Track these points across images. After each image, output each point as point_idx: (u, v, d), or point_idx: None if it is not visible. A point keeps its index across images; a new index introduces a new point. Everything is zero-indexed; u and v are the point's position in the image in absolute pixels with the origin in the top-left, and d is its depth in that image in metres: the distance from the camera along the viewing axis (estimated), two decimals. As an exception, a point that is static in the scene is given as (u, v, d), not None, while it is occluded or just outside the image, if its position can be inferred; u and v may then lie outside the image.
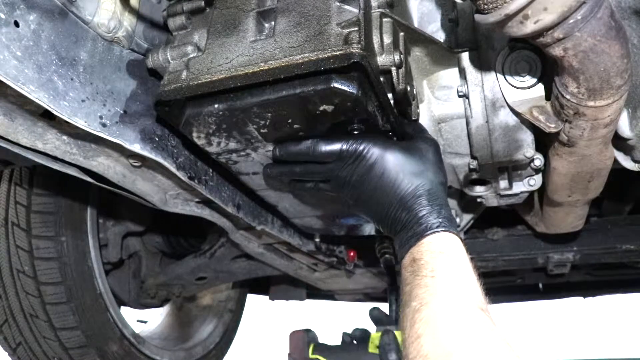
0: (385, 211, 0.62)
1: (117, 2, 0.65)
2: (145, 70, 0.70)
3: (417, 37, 0.68)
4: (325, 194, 0.71)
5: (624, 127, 0.68)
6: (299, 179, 0.69)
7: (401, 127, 0.68)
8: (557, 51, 0.53)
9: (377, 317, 1.00)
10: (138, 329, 1.61)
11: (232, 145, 0.65)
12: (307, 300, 1.98)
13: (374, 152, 0.62)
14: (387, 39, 0.62)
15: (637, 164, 0.75)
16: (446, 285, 0.52)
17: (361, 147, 0.62)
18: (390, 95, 0.65)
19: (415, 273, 0.55)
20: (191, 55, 0.64)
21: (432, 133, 0.77)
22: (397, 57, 0.61)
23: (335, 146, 0.62)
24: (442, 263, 0.54)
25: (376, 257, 1.11)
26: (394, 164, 0.61)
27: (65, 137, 0.69)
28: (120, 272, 1.43)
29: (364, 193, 0.63)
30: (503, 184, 0.89)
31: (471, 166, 0.81)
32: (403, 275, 0.58)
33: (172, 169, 0.73)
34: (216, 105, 0.60)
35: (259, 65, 0.58)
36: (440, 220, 0.58)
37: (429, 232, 0.57)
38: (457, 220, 1.10)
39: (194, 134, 0.64)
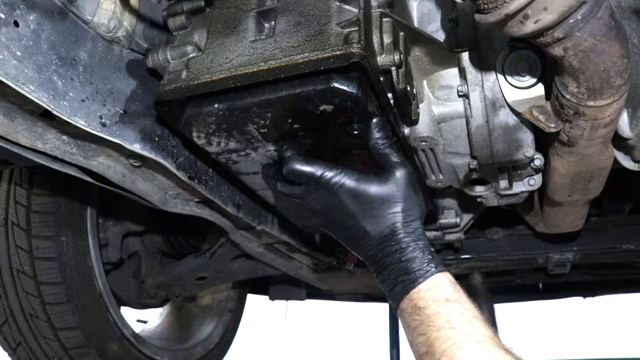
0: (363, 248, 0.61)
1: (117, 2, 0.65)
2: (145, 70, 0.70)
3: (417, 37, 0.68)
4: None
5: (624, 127, 0.68)
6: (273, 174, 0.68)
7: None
8: (557, 51, 0.53)
9: None
10: (138, 329, 1.61)
11: (232, 145, 0.65)
12: (307, 300, 1.98)
13: (344, 188, 0.60)
14: (387, 39, 0.62)
15: (637, 164, 0.75)
16: (472, 339, 0.52)
17: (333, 180, 0.60)
18: (390, 95, 0.65)
19: (428, 323, 0.54)
20: (191, 55, 0.64)
21: (432, 133, 0.77)
22: (397, 57, 0.61)
23: (306, 168, 0.61)
24: (454, 313, 0.54)
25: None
26: (369, 201, 0.59)
27: (65, 137, 0.69)
28: (120, 272, 1.43)
29: (335, 226, 0.63)
30: (503, 183, 0.89)
31: (471, 166, 0.81)
32: (407, 321, 0.57)
33: (172, 168, 0.73)
34: (216, 105, 0.60)
35: (259, 65, 0.58)
36: (427, 261, 0.58)
37: (422, 279, 0.57)
38: (457, 220, 1.10)
39: (194, 134, 0.64)
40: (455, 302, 0.55)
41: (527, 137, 0.74)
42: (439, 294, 0.56)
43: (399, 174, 0.61)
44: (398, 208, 0.60)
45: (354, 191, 0.60)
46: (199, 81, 0.59)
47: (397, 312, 0.60)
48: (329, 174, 0.60)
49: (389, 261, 0.59)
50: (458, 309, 0.55)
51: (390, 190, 0.60)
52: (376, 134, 0.61)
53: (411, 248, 0.58)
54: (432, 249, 0.60)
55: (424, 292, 0.56)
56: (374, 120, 0.61)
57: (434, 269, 0.57)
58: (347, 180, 0.60)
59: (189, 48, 0.64)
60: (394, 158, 0.62)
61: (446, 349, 0.51)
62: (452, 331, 0.52)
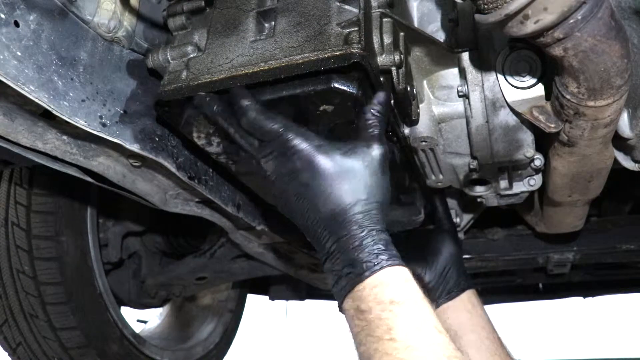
0: (310, 228, 0.52)
1: (117, 2, 0.65)
2: (145, 70, 0.70)
3: (417, 37, 0.68)
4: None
5: (624, 127, 0.68)
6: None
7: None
8: (557, 51, 0.53)
9: None
10: (138, 329, 1.61)
11: (233, 147, 0.65)
12: (307, 300, 1.98)
13: (303, 153, 0.51)
14: (387, 39, 0.62)
15: (637, 164, 0.75)
16: (414, 355, 0.44)
17: (291, 141, 0.51)
18: (390, 95, 0.65)
19: (368, 332, 0.46)
20: (191, 55, 0.64)
21: (432, 133, 0.77)
22: (397, 57, 0.61)
23: (264, 123, 0.52)
24: (397, 319, 0.46)
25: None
26: (325, 174, 0.50)
27: (65, 137, 0.69)
28: (120, 272, 1.43)
29: (287, 197, 0.53)
30: (503, 184, 0.89)
31: (471, 166, 0.81)
32: (349, 324, 0.49)
33: (172, 169, 0.73)
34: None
35: (259, 65, 0.58)
36: (377, 251, 0.49)
37: (368, 272, 0.48)
38: (457, 220, 1.10)
39: (194, 134, 0.64)
40: (402, 305, 0.46)
41: (527, 137, 0.74)
42: (384, 294, 0.47)
43: (371, 149, 0.53)
44: (358, 186, 0.51)
45: (311, 157, 0.51)
46: (199, 81, 0.59)
47: (341, 311, 0.51)
48: (288, 134, 0.52)
49: (335, 247, 0.50)
50: (402, 314, 0.46)
51: (354, 165, 0.51)
52: (376, 106, 0.54)
53: (362, 235, 0.49)
54: (389, 240, 0.51)
55: (368, 291, 0.48)
56: (382, 92, 0.55)
57: (384, 262, 0.48)
58: (306, 144, 0.52)
59: (189, 48, 0.64)
60: (374, 132, 0.54)
61: None
62: (392, 344, 0.44)
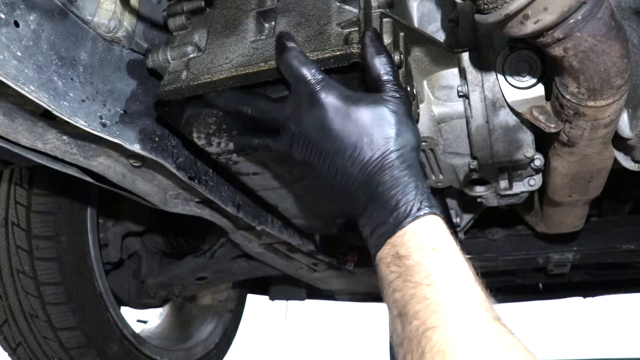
0: (345, 183, 0.50)
1: (117, 2, 0.65)
2: (145, 70, 0.70)
3: (417, 37, 0.68)
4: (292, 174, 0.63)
5: (624, 127, 0.68)
6: (247, 132, 0.60)
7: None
8: (557, 51, 0.53)
9: None
10: (138, 329, 1.61)
11: (232, 146, 0.65)
12: (307, 301, 1.98)
13: (331, 100, 0.50)
14: (387, 39, 0.62)
15: (637, 164, 0.75)
16: (452, 301, 0.42)
17: (320, 93, 0.50)
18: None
19: (405, 277, 0.45)
20: (191, 56, 0.64)
21: (432, 133, 0.77)
22: (397, 57, 0.61)
23: (297, 72, 0.51)
24: (438, 265, 0.44)
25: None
26: (360, 122, 0.49)
27: (65, 137, 0.69)
28: (120, 272, 1.43)
29: (316, 154, 0.51)
30: (503, 184, 0.89)
31: (471, 166, 0.81)
32: (383, 272, 0.47)
33: (172, 169, 0.73)
34: (228, 96, 0.59)
35: (259, 65, 0.58)
36: (420, 199, 0.47)
37: (410, 218, 0.46)
38: (457, 220, 1.10)
39: (194, 135, 0.64)
40: (442, 252, 0.45)
41: (527, 137, 0.74)
42: (425, 241, 0.45)
43: (395, 95, 0.52)
44: (392, 132, 0.49)
45: (342, 105, 0.50)
46: (199, 81, 0.59)
47: (375, 262, 0.49)
48: (318, 85, 0.51)
49: (374, 196, 0.48)
50: (443, 261, 0.44)
51: (384, 111, 0.50)
52: (381, 56, 0.53)
53: (404, 181, 0.47)
54: (428, 187, 0.50)
55: (409, 237, 0.46)
56: (385, 56, 0.53)
57: (426, 209, 0.47)
58: (335, 94, 0.51)
59: (189, 48, 0.64)
60: (391, 80, 0.53)
61: (419, 311, 0.42)
62: (430, 289, 0.43)
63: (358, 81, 0.56)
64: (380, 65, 0.53)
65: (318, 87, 0.52)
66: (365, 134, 0.50)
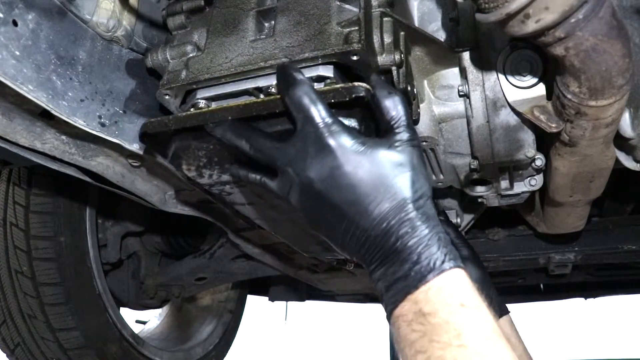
0: (358, 235, 0.46)
1: (116, 1, 0.65)
2: (145, 70, 0.69)
3: (417, 37, 0.68)
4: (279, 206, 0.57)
5: (626, 127, 0.68)
6: (241, 166, 0.55)
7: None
8: (558, 50, 0.53)
9: None
10: (137, 329, 1.61)
11: (225, 177, 0.60)
12: (307, 301, 1.97)
13: (346, 149, 0.46)
14: (388, 39, 0.62)
15: (638, 164, 0.75)
16: None
17: (331, 138, 0.46)
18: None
19: (431, 337, 0.40)
20: (191, 55, 0.64)
21: (433, 133, 0.76)
22: (397, 57, 0.60)
23: (306, 111, 0.46)
24: (468, 324, 0.40)
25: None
26: (375, 170, 0.45)
27: (64, 137, 0.68)
28: (120, 272, 1.43)
29: (325, 204, 0.46)
30: (504, 184, 0.88)
31: (472, 166, 0.81)
32: (403, 331, 0.43)
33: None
34: (206, 139, 0.54)
35: (258, 64, 0.58)
36: (444, 251, 0.44)
37: (435, 272, 0.42)
38: (458, 220, 1.10)
39: (184, 167, 0.59)
40: (472, 309, 0.41)
41: (528, 137, 0.74)
42: (452, 297, 0.42)
43: (409, 140, 0.48)
44: (408, 181, 0.46)
45: (353, 153, 0.46)
46: (188, 113, 0.54)
47: (391, 319, 0.45)
48: (326, 122, 0.46)
49: (391, 251, 0.44)
50: (473, 319, 0.41)
51: (399, 159, 0.47)
52: (390, 95, 0.50)
53: (425, 233, 0.44)
54: (449, 236, 0.47)
55: (434, 292, 0.42)
56: (397, 96, 0.50)
57: (452, 263, 0.43)
58: (345, 137, 0.46)
59: (189, 47, 0.64)
60: (407, 124, 0.49)
61: None
62: (461, 351, 0.39)
63: (361, 117, 0.51)
64: (393, 106, 0.50)
65: (327, 132, 0.46)
66: (381, 184, 0.45)
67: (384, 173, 0.46)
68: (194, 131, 0.55)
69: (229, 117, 0.52)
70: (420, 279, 0.43)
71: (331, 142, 0.46)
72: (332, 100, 0.49)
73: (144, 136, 0.57)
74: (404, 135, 0.49)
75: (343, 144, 0.46)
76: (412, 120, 0.53)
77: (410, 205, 0.45)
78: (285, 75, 0.50)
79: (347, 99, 0.49)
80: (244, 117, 0.52)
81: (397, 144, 0.48)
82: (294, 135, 0.48)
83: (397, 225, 0.45)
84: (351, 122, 0.50)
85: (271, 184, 0.52)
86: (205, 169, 0.59)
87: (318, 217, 0.48)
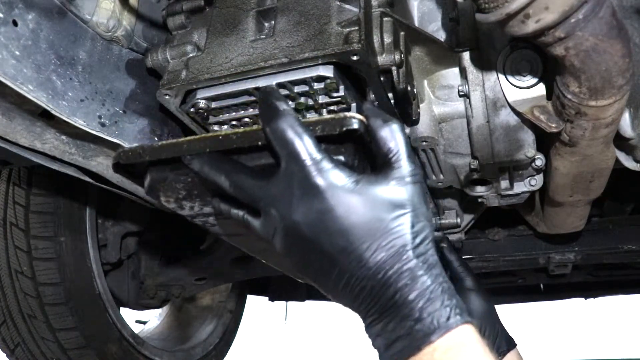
0: (352, 286, 0.41)
1: (116, 1, 0.65)
2: (145, 70, 0.69)
3: (417, 37, 0.68)
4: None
5: (626, 127, 0.68)
6: (223, 200, 0.49)
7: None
8: (558, 50, 0.53)
9: None
10: (137, 329, 1.61)
11: (207, 209, 0.55)
12: (308, 301, 1.97)
13: (336, 184, 0.40)
14: (388, 39, 0.62)
15: (638, 164, 0.75)
16: None
17: (319, 177, 0.40)
18: (390, 95, 0.64)
19: None
20: (191, 55, 0.64)
21: (433, 133, 0.76)
22: (397, 57, 0.60)
23: (290, 147, 0.41)
24: None
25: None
26: (369, 210, 0.40)
27: (64, 137, 0.68)
28: (120, 272, 1.43)
29: (315, 247, 0.41)
30: (504, 184, 0.88)
31: (472, 166, 0.81)
32: None
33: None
34: (184, 172, 0.50)
35: (258, 64, 0.58)
36: (449, 305, 0.39)
37: (440, 331, 0.38)
38: (458, 220, 1.10)
39: (162, 199, 0.54)
40: None
41: (528, 137, 0.74)
42: (462, 358, 0.37)
43: (409, 175, 0.42)
44: (408, 224, 0.40)
45: (345, 194, 0.40)
46: (162, 144, 0.49)
47: None
48: (314, 158, 0.41)
49: (390, 304, 0.39)
50: None
51: (398, 198, 0.41)
52: (398, 138, 0.44)
53: (427, 285, 0.39)
54: (453, 288, 0.41)
55: (440, 355, 0.37)
56: (394, 124, 0.44)
57: (458, 318, 0.39)
58: (335, 176, 0.41)
59: (189, 47, 0.64)
60: (406, 155, 0.43)
61: None
62: None
63: (354, 150, 0.46)
64: (390, 136, 0.43)
65: (315, 170, 0.41)
66: (376, 229, 0.40)
67: (379, 216, 0.40)
68: (170, 163, 0.50)
69: (207, 150, 0.47)
70: (423, 340, 0.38)
71: (319, 181, 0.41)
72: (320, 134, 0.43)
73: (116, 167, 0.52)
74: (402, 171, 0.43)
75: (333, 183, 0.41)
76: (412, 150, 0.47)
77: (410, 253, 0.40)
78: (266, 105, 0.44)
79: (337, 132, 0.43)
80: (223, 150, 0.46)
81: (394, 181, 0.42)
82: (278, 173, 0.43)
83: (396, 276, 0.39)
84: (342, 156, 0.45)
85: (254, 222, 0.46)
86: (185, 201, 0.54)
87: (306, 264, 0.43)
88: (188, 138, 0.48)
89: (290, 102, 0.63)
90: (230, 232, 0.61)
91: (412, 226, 0.41)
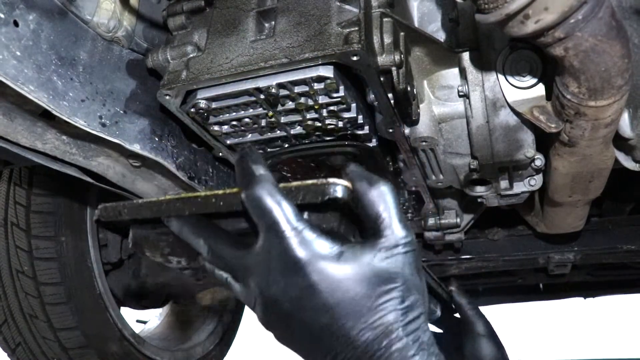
0: (336, 358, 0.38)
1: (116, 1, 0.65)
2: (145, 70, 0.70)
3: (417, 37, 0.68)
4: None
5: (625, 127, 0.68)
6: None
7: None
8: (557, 51, 0.53)
9: None
10: (138, 329, 1.61)
11: (195, 264, 0.54)
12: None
13: (319, 265, 0.37)
14: (388, 39, 0.62)
15: (638, 164, 0.75)
16: None
17: (299, 252, 0.38)
18: (390, 95, 0.65)
19: None
20: (191, 55, 0.64)
21: (433, 133, 0.77)
22: (397, 57, 0.61)
23: (268, 216, 0.38)
24: None
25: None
26: (355, 285, 0.37)
27: (64, 137, 0.68)
28: (120, 272, 1.43)
29: (296, 322, 0.39)
30: (504, 184, 0.89)
31: (472, 166, 0.81)
32: None
33: (172, 169, 0.73)
34: (165, 230, 0.48)
35: (258, 64, 0.58)
36: None
37: None
38: (458, 220, 1.10)
39: (148, 254, 0.53)
40: None
41: (528, 137, 0.74)
42: None
43: (401, 243, 0.39)
44: (397, 299, 0.38)
45: (329, 267, 0.37)
46: (140, 203, 0.47)
47: None
48: (295, 228, 0.38)
49: None
50: None
51: (387, 271, 0.38)
52: (388, 201, 0.40)
53: None
54: (463, 308, 0.39)
55: None
56: (383, 186, 0.40)
57: None
58: (317, 247, 0.38)
59: (189, 48, 0.64)
60: (398, 221, 0.40)
61: None
62: None
63: (340, 216, 0.43)
64: (379, 200, 0.40)
65: (296, 243, 0.38)
66: (362, 306, 0.37)
67: (366, 292, 0.37)
68: (151, 221, 0.48)
69: (186, 212, 0.44)
70: None
71: (300, 254, 0.38)
72: (301, 202, 0.40)
73: (97, 222, 0.52)
74: (392, 238, 0.39)
75: (315, 255, 0.38)
76: (403, 213, 0.42)
77: (400, 331, 0.37)
78: (242, 169, 0.41)
79: (320, 200, 0.40)
80: (203, 214, 0.44)
81: (383, 250, 0.39)
82: (257, 243, 0.40)
83: (385, 357, 0.37)
84: (326, 224, 0.41)
85: (237, 287, 0.43)
86: (171, 256, 0.53)
87: (288, 338, 0.41)
88: (168, 197, 0.46)
89: (290, 102, 0.63)
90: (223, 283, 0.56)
91: (402, 301, 0.38)
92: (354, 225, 0.44)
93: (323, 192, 0.40)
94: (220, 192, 0.43)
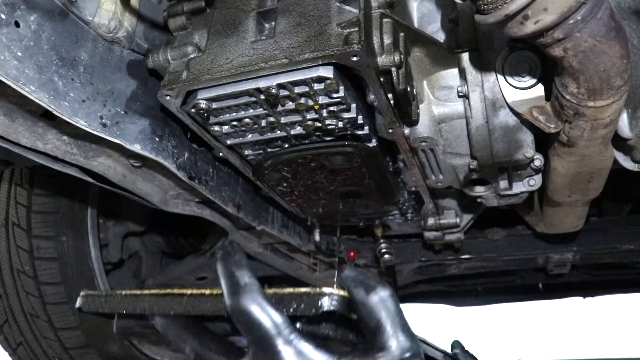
0: None
1: (117, 2, 0.65)
2: (146, 71, 0.70)
3: (417, 38, 0.68)
4: None
5: (624, 128, 0.68)
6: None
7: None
8: (557, 51, 0.53)
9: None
10: (138, 329, 1.61)
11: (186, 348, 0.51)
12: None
13: None
14: (387, 40, 0.62)
15: (636, 164, 0.75)
16: None
17: (309, 344, 0.35)
18: (390, 96, 0.65)
19: None
20: (192, 56, 0.64)
21: (432, 133, 0.77)
22: (397, 58, 0.61)
23: (257, 326, 0.35)
24: None
25: (376, 257, 1.11)
26: None
27: (65, 137, 0.69)
28: (121, 272, 1.43)
29: None
30: (503, 184, 0.89)
31: (471, 166, 0.81)
32: None
33: (173, 169, 0.74)
34: (150, 323, 0.45)
35: (259, 65, 0.58)
36: None
37: None
38: (457, 220, 1.10)
39: (135, 342, 0.54)
40: None
41: (527, 137, 0.74)
42: None
43: (407, 357, 0.36)
44: None
45: None
46: (126, 294, 0.45)
47: None
48: (285, 337, 0.35)
49: None
50: None
51: None
52: (390, 307, 0.37)
53: None
54: None
55: None
56: (383, 291, 0.38)
57: None
58: (317, 355, 0.36)
59: (190, 48, 0.64)
60: (397, 328, 0.37)
61: None
62: None
63: (336, 323, 0.41)
64: (379, 306, 0.37)
65: (288, 357, 0.35)
66: None
67: None
68: (134, 315, 0.46)
69: (171, 312, 0.42)
70: None
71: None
72: (292, 314, 0.38)
73: (79, 310, 0.50)
74: (397, 351, 0.36)
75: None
76: (405, 321, 0.38)
77: None
78: (227, 277, 0.38)
79: (313, 314, 0.37)
80: (191, 315, 0.41)
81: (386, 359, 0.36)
82: (246, 356, 0.37)
83: None
84: (322, 332, 0.39)
85: None
86: (160, 343, 0.52)
87: None
88: (153, 292, 0.44)
89: (290, 103, 0.63)
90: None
91: None
92: (354, 331, 0.41)
93: (317, 304, 0.37)
94: (207, 292, 0.40)
